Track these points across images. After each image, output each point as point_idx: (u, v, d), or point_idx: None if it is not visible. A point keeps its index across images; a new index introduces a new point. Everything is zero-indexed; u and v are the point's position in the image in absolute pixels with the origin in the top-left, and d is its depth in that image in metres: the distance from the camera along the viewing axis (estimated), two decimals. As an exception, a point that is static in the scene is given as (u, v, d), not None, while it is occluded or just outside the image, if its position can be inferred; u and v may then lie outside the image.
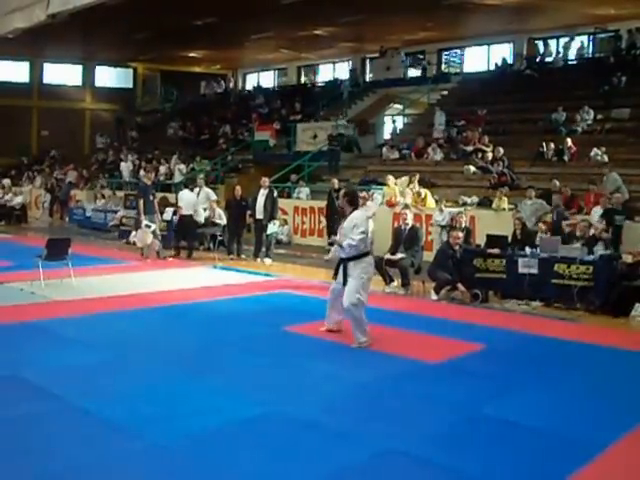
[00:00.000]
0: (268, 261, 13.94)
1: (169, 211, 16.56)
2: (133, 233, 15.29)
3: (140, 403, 5.50)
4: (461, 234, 11.03)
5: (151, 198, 14.41)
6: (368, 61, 29.88)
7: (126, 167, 25.09)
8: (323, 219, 16.93)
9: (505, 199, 14.43)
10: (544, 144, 16.79)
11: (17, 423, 4.99)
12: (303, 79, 33.37)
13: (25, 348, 7.07)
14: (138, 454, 4.54)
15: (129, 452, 4.56)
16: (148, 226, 13.92)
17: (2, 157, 31.49)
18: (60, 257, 10.86)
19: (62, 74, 34.34)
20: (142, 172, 21.02)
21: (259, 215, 14.12)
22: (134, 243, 14.99)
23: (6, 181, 25.73)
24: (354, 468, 4.44)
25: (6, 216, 22.54)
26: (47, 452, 4.52)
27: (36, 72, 33.87)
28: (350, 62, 30.27)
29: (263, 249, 14.25)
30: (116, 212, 19.61)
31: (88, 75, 34.99)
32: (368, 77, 29.32)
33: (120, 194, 22.43)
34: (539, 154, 16.91)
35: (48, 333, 7.75)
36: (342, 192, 8.34)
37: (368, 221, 7.88)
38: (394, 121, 24.30)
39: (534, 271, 10.21)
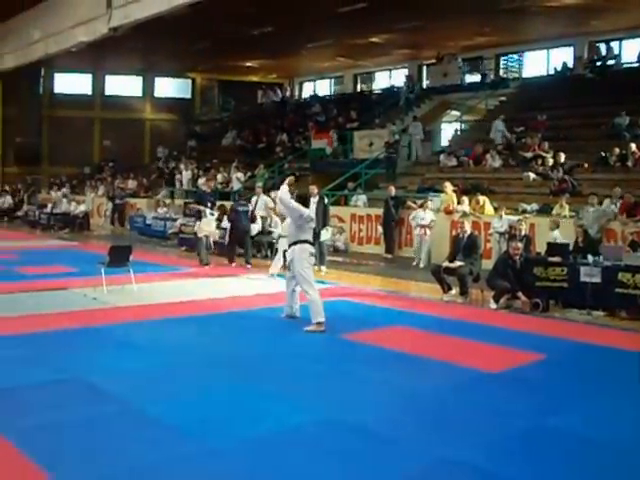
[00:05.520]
0: (323, 268, 13.96)
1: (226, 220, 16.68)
2: (197, 223, 15.22)
3: (198, 407, 5.56)
4: (521, 245, 10.78)
5: (209, 205, 14.56)
6: (425, 68, 29.72)
7: (185, 176, 25.56)
8: (380, 227, 16.89)
9: (566, 206, 14.11)
10: (607, 149, 16.39)
11: (80, 426, 5.09)
12: (359, 87, 33.41)
13: (86, 352, 7.23)
14: (196, 457, 4.58)
15: (188, 455, 4.61)
16: (212, 214, 14.14)
17: (66, 167, 32.62)
18: (122, 264, 11.08)
19: (123, 85, 35.33)
20: (201, 180, 21.33)
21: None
22: (196, 234, 15.01)
23: (65, 190, 26.50)
24: (409, 477, 4.39)
25: (70, 224, 23.19)
26: (110, 455, 4.60)
27: (98, 84, 34.95)
28: (407, 69, 30.15)
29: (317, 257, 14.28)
30: (175, 220, 19.90)
31: (148, 86, 35.88)
32: (425, 84, 29.15)
33: (179, 202, 22.81)
34: (601, 160, 16.49)
35: (109, 338, 7.92)
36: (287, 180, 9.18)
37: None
38: (456, 129, 23.92)
39: (597, 280, 9.93)
